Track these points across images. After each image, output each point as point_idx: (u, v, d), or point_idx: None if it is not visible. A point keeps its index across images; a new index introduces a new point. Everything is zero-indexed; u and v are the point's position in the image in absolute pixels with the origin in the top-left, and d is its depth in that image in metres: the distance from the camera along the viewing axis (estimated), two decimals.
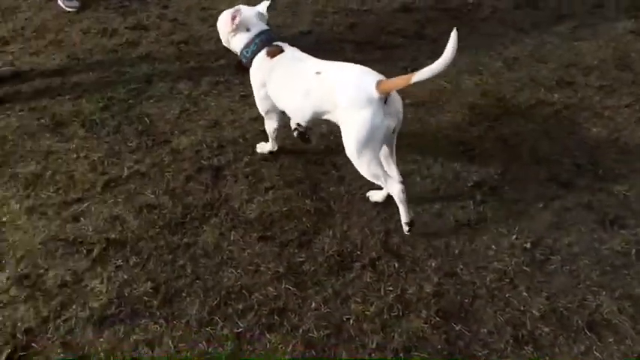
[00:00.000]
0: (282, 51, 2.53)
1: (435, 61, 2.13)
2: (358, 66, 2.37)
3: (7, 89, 3.54)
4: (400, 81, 2.18)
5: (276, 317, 2.11)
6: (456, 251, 2.34)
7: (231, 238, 2.45)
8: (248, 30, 2.59)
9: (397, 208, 2.51)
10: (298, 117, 2.53)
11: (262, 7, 2.70)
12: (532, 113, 3.07)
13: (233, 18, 2.55)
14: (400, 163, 2.75)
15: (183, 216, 2.57)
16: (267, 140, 2.86)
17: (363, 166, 2.31)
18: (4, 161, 2.94)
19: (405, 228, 2.37)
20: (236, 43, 2.63)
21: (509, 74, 3.38)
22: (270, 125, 2.74)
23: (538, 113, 3.07)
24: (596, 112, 3.09)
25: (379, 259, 2.31)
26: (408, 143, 2.90)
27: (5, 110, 3.34)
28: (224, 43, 2.74)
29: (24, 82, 3.60)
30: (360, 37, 3.88)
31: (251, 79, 2.66)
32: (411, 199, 2.55)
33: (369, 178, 2.35)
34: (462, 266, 2.27)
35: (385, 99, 2.21)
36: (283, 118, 2.69)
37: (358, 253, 2.35)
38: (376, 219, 2.50)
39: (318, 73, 2.37)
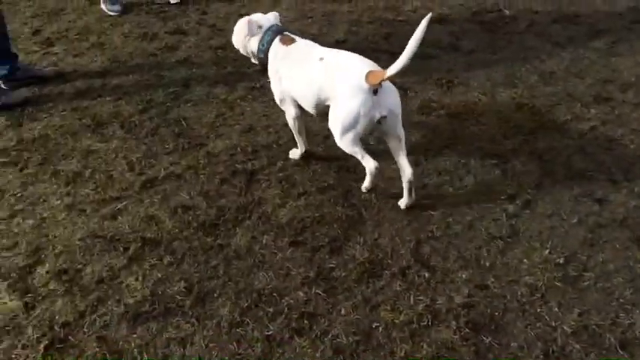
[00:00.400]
0: (294, 40, 2.69)
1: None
2: (357, 56, 2.50)
3: (50, 89, 3.66)
4: (381, 74, 2.31)
5: (305, 322, 2.14)
6: (488, 264, 2.33)
7: (263, 241, 2.49)
8: (260, 28, 2.75)
9: (428, 218, 2.53)
10: (306, 104, 2.64)
11: (274, 14, 2.87)
12: (568, 128, 3.05)
13: (249, 22, 2.73)
14: (433, 173, 2.79)
15: (217, 218, 2.62)
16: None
17: (344, 145, 2.49)
18: (47, 159, 3.04)
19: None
20: (253, 43, 2.78)
21: (545, 88, 3.36)
22: (289, 115, 2.80)
23: (574, 128, 3.05)
24: (632, 128, 3.05)
25: (409, 268, 2.32)
26: (441, 154, 2.91)
27: (49, 110, 3.45)
28: (241, 51, 2.90)
29: (67, 83, 3.72)
30: (395, 47, 3.88)
31: (268, 68, 2.77)
32: (442, 210, 2.57)
33: (353, 154, 2.51)
34: (493, 279, 2.26)
35: (375, 90, 2.32)
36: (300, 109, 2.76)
37: (388, 261, 2.36)
38: (407, 228, 2.51)
39: (321, 58, 2.53)
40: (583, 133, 3.01)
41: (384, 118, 2.38)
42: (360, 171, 2.82)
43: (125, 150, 3.08)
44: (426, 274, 2.29)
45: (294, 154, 2.93)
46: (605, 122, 3.09)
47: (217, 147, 3.07)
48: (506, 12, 4.17)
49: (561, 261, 2.33)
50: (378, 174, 2.52)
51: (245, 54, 2.91)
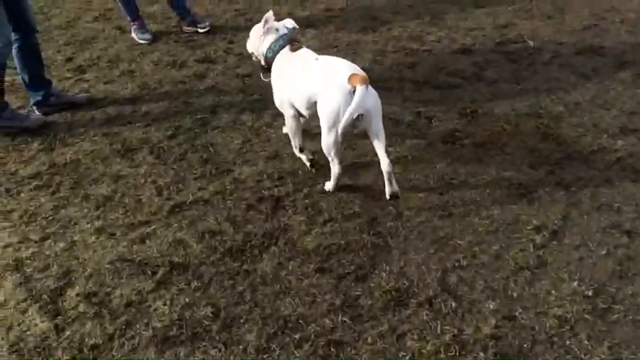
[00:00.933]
0: (301, 47, 3.00)
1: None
2: (344, 61, 2.79)
3: (82, 114, 3.76)
4: (362, 78, 2.60)
5: (332, 349, 2.14)
6: (515, 294, 2.31)
7: (290, 267, 2.50)
8: (277, 30, 3.04)
9: (455, 247, 2.54)
10: (299, 104, 2.89)
11: (290, 20, 3.17)
12: (594, 159, 3.04)
13: (266, 21, 3.01)
14: (458, 202, 2.79)
15: (244, 243, 2.65)
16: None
17: (327, 141, 2.73)
18: (78, 183, 3.11)
19: (387, 197, 2.80)
20: (266, 43, 3.05)
21: (571, 119, 3.36)
22: (287, 115, 3.02)
23: (600, 159, 3.03)
24: None
25: (436, 298, 2.32)
26: (466, 183, 2.92)
27: (80, 135, 3.55)
28: (251, 49, 3.20)
29: (98, 109, 3.82)
30: (419, 76, 3.94)
31: (272, 70, 3.04)
32: (469, 239, 2.57)
33: (324, 151, 2.78)
34: (520, 310, 2.25)
35: (354, 90, 2.57)
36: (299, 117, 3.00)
37: (415, 290, 2.36)
38: (433, 257, 2.51)
39: (316, 59, 2.87)
40: (610, 165, 2.99)
41: (361, 115, 2.63)
42: (386, 199, 2.85)
43: (154, 175, 3.14)
44: (453, 304, 2.28)
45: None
46: (632, 154, 3.07)
47: (244, 173, 3.12)
48: (531, 43, 4.20)
49: (590, 293, 2.31)
50: (341, 178, 2.86)
51: (255, 57, 3.21)
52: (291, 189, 2.97)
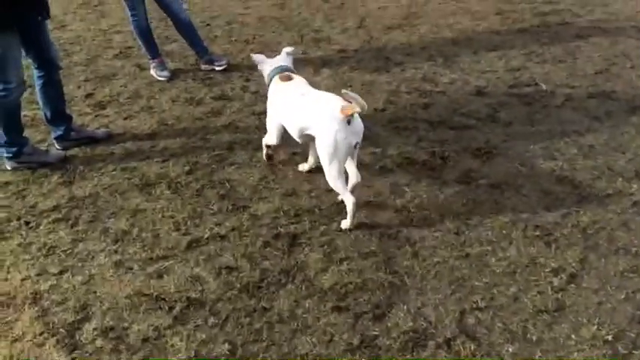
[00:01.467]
0: (290, 78, 3.24)
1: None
2: (331, 95, 2.97)
3: (102, 149, 3.82)
4: (351, 108, 2.74)
5: None
6: (534, 338, 2.29)
7: (306, 305, 2.50)
8: (274, 61, 3.42)
9: (472, 288, 2.53)
10: (291, 130, 3.13)
11: (287, 49, 3.50)
12: (610, 202, 3.04)
13: (252, 57, 3.54)
14: (475, 243, 2.80)
15: (260, 280, 2.65)
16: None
17: (331, 174, 2.87)
18: (96, 216, 3.15)
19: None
20: (264, 74, 3.45)
21: (585, 162, 3.38)
22: (269, 140, 3.36)
23: (616, 203, 3.04)
24: None
25: (454, 339, 2.30)
26: (482, 224, 2.92)
27: (99, 169, 3.60)
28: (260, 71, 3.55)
29: (117, 144, 3.88)
30: (434, 116, 3.99)
31: (268, 96, 3.34)
32: (486, 280, 2.56)
33: (332, 186, 2.93)
34: (540, 354, 2.23)
35: (349, 121, 2.75)
36: (284, 137, 3.27)
37: (433, 331, 2.35)
38: (451, 298, 2.50)
39: (302, 94, 3.06)
40: (626, 208, 3.00)
41: (358, 143, 2.86)
42: (403, 238, 2.86)
43: (171, 210, 3.17)
44: (472, 346, 2.27)
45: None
46: None
47: (260, 209, 3.14)
48: (543, 86, 4.26)
49: (610, 338, 2.29)
50: (356, 212, 2.90)
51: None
52: (307, 226, 2.99)
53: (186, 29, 4.99)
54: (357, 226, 2.95)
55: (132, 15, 4.73)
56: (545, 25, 5.40)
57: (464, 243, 2.81)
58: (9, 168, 3.61)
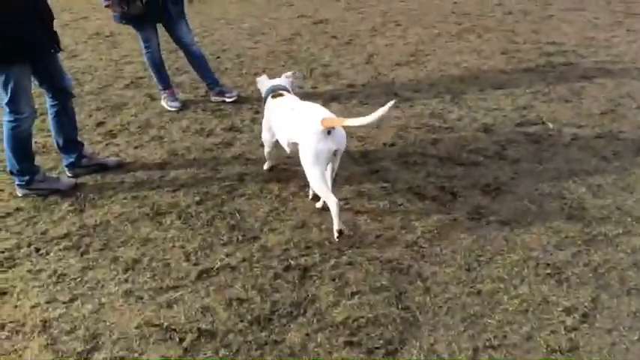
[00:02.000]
0: (282, 95, 3.58)
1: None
2: (316, 106, 3.28)
3: (112, 177, 3.85)
4: (337, 121, 3.06)
5: None
6: None
7: (318, 340, 2.48)
8: (271, 82, 3.80)
9: (485, 325, 2.52)
10: (281, 141, 3.46)
11: (287, 73, 3.94)
12: (620, 242, 3.05)
13: (257, 81, 3.97)
14: (486, 279, 2.79)
15: (271, 312, 2.64)
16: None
17: (313, 179, 3.09)
18: (107, 245, 3.15)
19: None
20: (262, 90, 3.82)
21: (594, 201, 3.40)
22: (266, 151, 3.77)
23: (626, 242, 3.05)
24: None
25: None
26: (493, 260, 2.93)
27: (110, 197, 3.61)
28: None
29: (127, 173, 3.91)
30: (442, 152, 4.03)
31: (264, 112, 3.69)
32: (498, 318, 2.55)
33: (315, 190, 3.17)
34: None
35: (329, 131, 3.02)
36: (277, 148, 3.63)
37: None
38: (463, 334, 2.49)
39: (292, 109, 3.35)
40: (636, 248, 3.00)
41: (337, 151, 3.12)
42: (414, 273, 2.86)
43: (182, 240, 3.18)
44: None
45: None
46: None
47: (271, 241, 3.15)
48: (550, 125, 4.31)
49: None
50: (340, 213, 3.06)
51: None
52: (318, 259, 2.99)
53: (197, 61, 5.07)
54: (368, 260, 2.95)
55: (145, 47, 4.82)
56: (550, 65, 5.50)
57: (475, 279, 2.81)
58: (20, 195, 3.63)
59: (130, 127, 4.65)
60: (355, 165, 3.91)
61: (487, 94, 4.93)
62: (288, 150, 3.42)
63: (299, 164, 3.68)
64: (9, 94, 3.37)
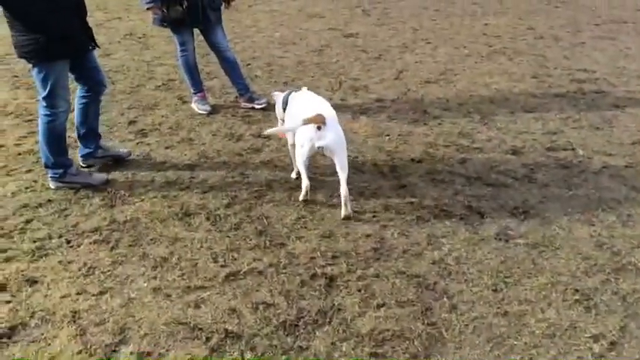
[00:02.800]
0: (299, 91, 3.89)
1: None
2: (317, 104, 3.58)
3: (143, 175, 3.90)
4: (318, 118, 3.33)
5: None
6: None
7: (343, 349, 2.49)
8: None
9: (511, 347, 2.51)
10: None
11: (304, 88, 4.00)
12: None
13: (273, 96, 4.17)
14: (514, 301, 2.78)
15: (297, 319, 2.65)
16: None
17: (298, 157, 3.48)
18: (136, 241, 3.19)
19: (342, 216, 3.43)
20: (279, 100, 3.97)
21: (624, 230, 3.38)
22: (289, 143, 3.85)
23: None
24: None
25: None
26: (520, 283, 2.91)
27: (140, 195, 3.66)
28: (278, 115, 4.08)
29: (158, 172, 3.96)
30: (470, 172, 4.03)
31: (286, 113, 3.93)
32: (525, 340, 2.54)
33: (297, 166, 3.60)
34: None
35: (319, 127, 3.32)
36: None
37: None
38: (489, 354, 2.48)
39: (305, 101, 3.68)
40: None
41: (321, 147, 3.37)
42: (440, 289, 2.86)
43: (210, 241, 3.21)
44: None
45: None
46: None
47: (298, 248, 3.17)
48: (580, 152, 4.29)
49: None
50: (309, 191, 3.55)
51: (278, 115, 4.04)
52: (344, 269, 3.00)
53: (230, 67, 5.13)
54: (394, 274, 2.95)
55: (181, 50, 4.90)
56: (581, 92, 5.48)
57: (502, 300, 2.79)
58: (52, 187, 3.69)
59: (161, 127, 4.71)
60: (383, 179, 3.92)
61: (517, 117, 4.93)
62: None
63: (327, 174, 3.72)
64: (48, 90, 3.45)
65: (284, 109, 3.88)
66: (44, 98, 3.48)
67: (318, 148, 3.38)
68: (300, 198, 3.59)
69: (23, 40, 3.30)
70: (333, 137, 3.37)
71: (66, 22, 3.38)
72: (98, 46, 3.73)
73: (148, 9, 4.58)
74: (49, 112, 3.53)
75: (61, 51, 3.40)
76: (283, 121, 3.94)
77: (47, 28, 3.28)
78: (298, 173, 3.86)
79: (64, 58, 3.45)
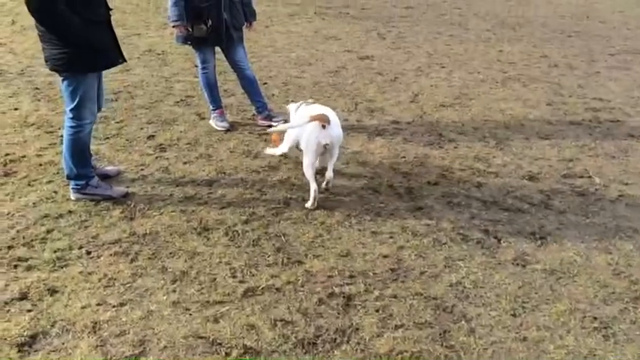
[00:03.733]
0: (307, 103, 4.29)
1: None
2: (318, 107, 4.03)
3: (162, 189, 3.94)
4: (322, 117, 3.74)
5: None
6: None
7: None
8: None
9: None
10: (292, 135, 4.13)
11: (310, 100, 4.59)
12: None
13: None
14: (532, 327, 2.77)
15: (315, 337, 2.65)
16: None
17: (305, 164, 3.81)
18: (156, 254, 3.21)
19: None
20: (292, 110, 4.41)
21: None
22: (283, 147, 4.32)
23: None
24: None
25: None
26: (538, 308, 2.91)
27: (159, 208, 3.70)
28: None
29: (176, 187, 4.00)
30: (486, 196, 4.04)
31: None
32: None
33: (305, 173, 3.83)
34: None
35: (324, 126, 3.69)
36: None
37: None
38: None
39: (307, 108, 4.09)
40: None
41: (327, 144, 3.72)
42: (458, 312, 2.86)
43: (228, 256, 3.23)
44: None
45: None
46: None
47: (315, 266, 3.18)
48: (597, 180, 4.30)
49: None
50: (317, 196, 3.76)
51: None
52: (362, 289, 3.01)
53: (249, 85, 5.20)
54: (412, 295, 2.96)
55: (202, 67, 4.97)
56: (596, 121, 5.51)
57: (521, 325, 2.79)
58: (73, 198, 3.73)
59: (180, 142, 4.77)
60: (399, 200, 3.94)
61: (532, 143, 4.95)
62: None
63: (343, 194, 3.74)
64: (76, 102, 3.51)
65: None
66: (71, 110, 3.54)
67: (325, 145, 3.71)
68: (309, 205, 3.76)
69: (57, 53, 3.37)
70: (337, 135, 3.82)
71: (101, 36, 3.46)
72: (126, 60, 3.81)
73: (174, 27, 4.66)
74: (74, 124, 3.59)
75: (94, 64, 3.47)
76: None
77: (83, 41, 3.35)
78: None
79: (96, 71, 3.52)
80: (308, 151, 3.76)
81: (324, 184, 3.85)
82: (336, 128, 3.80)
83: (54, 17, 3.25)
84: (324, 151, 3.78)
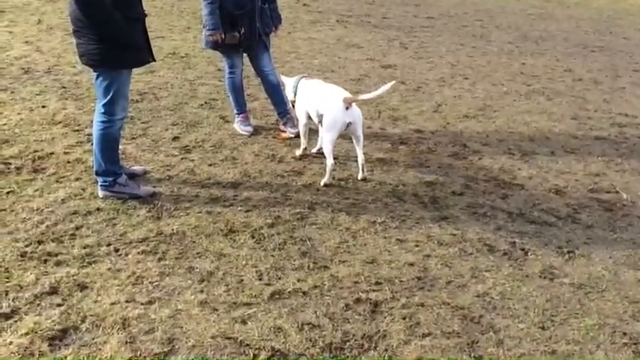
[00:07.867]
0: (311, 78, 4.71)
1: None
2: (337, 88, 4.35)
3: (188, 190, 3.96)
4: (351, 98, 4.09)
5: None
6: None
7: None
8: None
9: None
10: (311, 112, 4.36)
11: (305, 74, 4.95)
12: None
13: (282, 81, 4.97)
14: (561, 340, 2.75)
15: (342, 342, 2.65)
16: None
17: (326, 141, 4.12)
18: (183, 254, 3.23)
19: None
20: (289, 84, 4.75)
21: None
22: (300, 123, 4.60)
23: None
24: None
25: None
26: (567, 322, 2.88)
27: (185, 209, 3.72)
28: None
29: (202, 188, 4.02)
30: (512, 208, 4.02)
31: (297, 95, 4.63)
32: None
33: (324, 149, 4.16)
34: None
35: (347, 107, 4.01)
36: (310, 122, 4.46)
37: None
38: None
39: (320, 84, 4.47)
40: None
41: (350, 124, 4.07)
42: (486, 323, 2.84)
43: (254, 259, 3.23)
44: None
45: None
46: None
47: (341, 272, 3.17)
48: (624, 195, 4.26)
49: None
50: (333, 171, 4.16)
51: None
52: (388, 296, 3.00)
53: (273, 90, 5.21)
54: (439, 305, 2.95)
55: (230, 72, 5.00)
56: (623, 136, 5.46)
57: (550, 339, 2.76)
58: (100, 196, 3.76)
59: (204, 144, 4.79)
60: (424, 209, 3.93)
61: (558, 157, 4.92)
62: (316, 121, 4.30)
63: (368, 201, 3.73)
64: (109, 97, 3.55)
65: (294, 94, 4.60)
66: (103, 105, 3.58)
67: (348, 124, 4.06)
68: (324, 181, 4.12)
69: (93, 49, 3.41)
70: (359, 114, 4.15)
71: (137, 34, 3.52)
72: (155, 60, 3.85)
73: (209, 35, 4.69)
74: (105, 119, 3.62)
75: (129, 60, 3.52)
76: (293, 103, 4.66)
77: (122, 37, 3.40)
78: (302, 152, 4.60)
79: (131, 67, 3.57)
80: (332, 129, 4.06)
81: (360, 175, 4.20)
82: (357, 109, 4.13)
83: (99, 10, 3.31)
84: (347, 128, 4.09)
